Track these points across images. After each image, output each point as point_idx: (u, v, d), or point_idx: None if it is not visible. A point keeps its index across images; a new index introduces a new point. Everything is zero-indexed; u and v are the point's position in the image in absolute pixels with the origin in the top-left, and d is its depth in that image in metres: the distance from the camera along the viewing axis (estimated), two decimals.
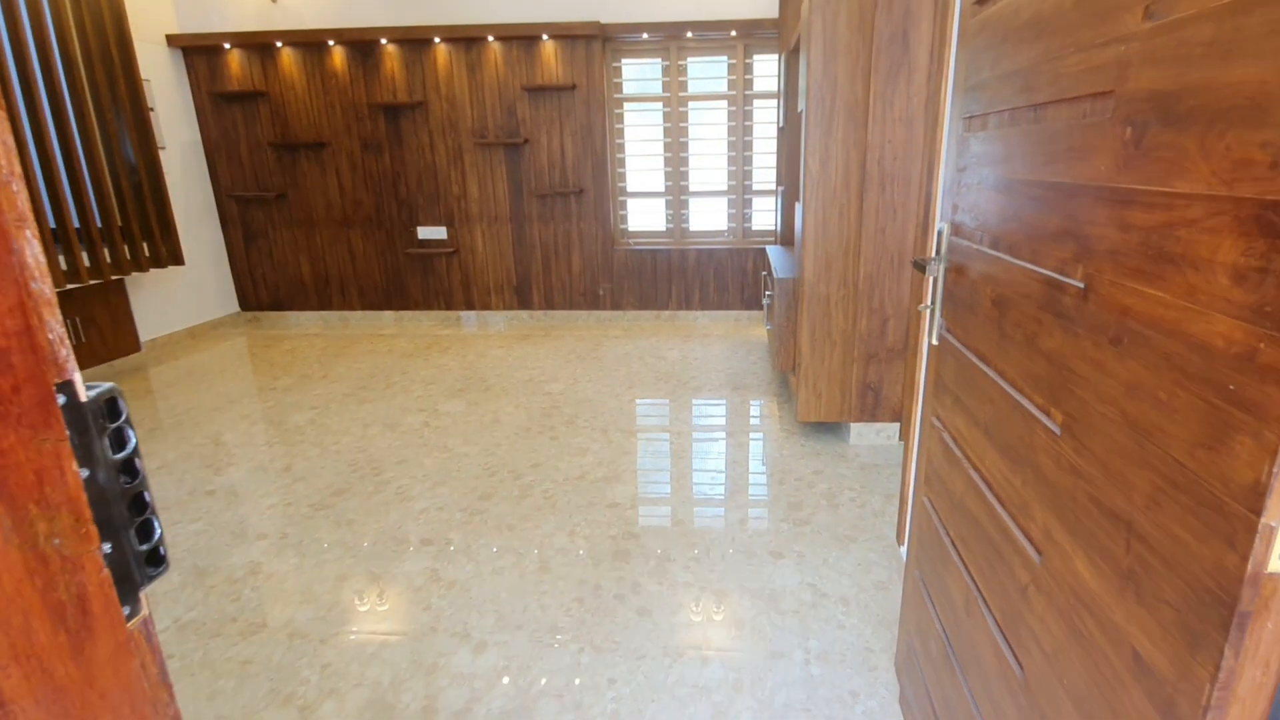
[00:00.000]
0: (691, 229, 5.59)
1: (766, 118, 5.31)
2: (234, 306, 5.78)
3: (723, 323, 5.55)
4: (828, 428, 3.42)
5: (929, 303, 1.65)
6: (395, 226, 5.55)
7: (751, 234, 5.56)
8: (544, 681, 1.81)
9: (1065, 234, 0.92)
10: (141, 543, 0.47)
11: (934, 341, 1.64)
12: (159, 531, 0.49)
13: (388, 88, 5.25)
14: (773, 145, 5.34)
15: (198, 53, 5.24)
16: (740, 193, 5.46)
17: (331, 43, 5.14)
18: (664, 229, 5.59)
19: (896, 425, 3.27)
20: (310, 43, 5.14)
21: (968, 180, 1.40)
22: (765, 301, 4.27)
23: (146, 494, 0.48)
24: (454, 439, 3.36)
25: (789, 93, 4.60)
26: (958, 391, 1.47)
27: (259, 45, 5.18)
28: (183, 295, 5.22)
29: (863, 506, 2.66)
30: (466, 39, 5.09)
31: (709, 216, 5.56)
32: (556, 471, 3.00)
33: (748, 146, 5.38)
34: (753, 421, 3.54)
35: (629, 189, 5.55)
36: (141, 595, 0.48)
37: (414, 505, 2.74)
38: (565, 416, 3.62)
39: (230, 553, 2.45)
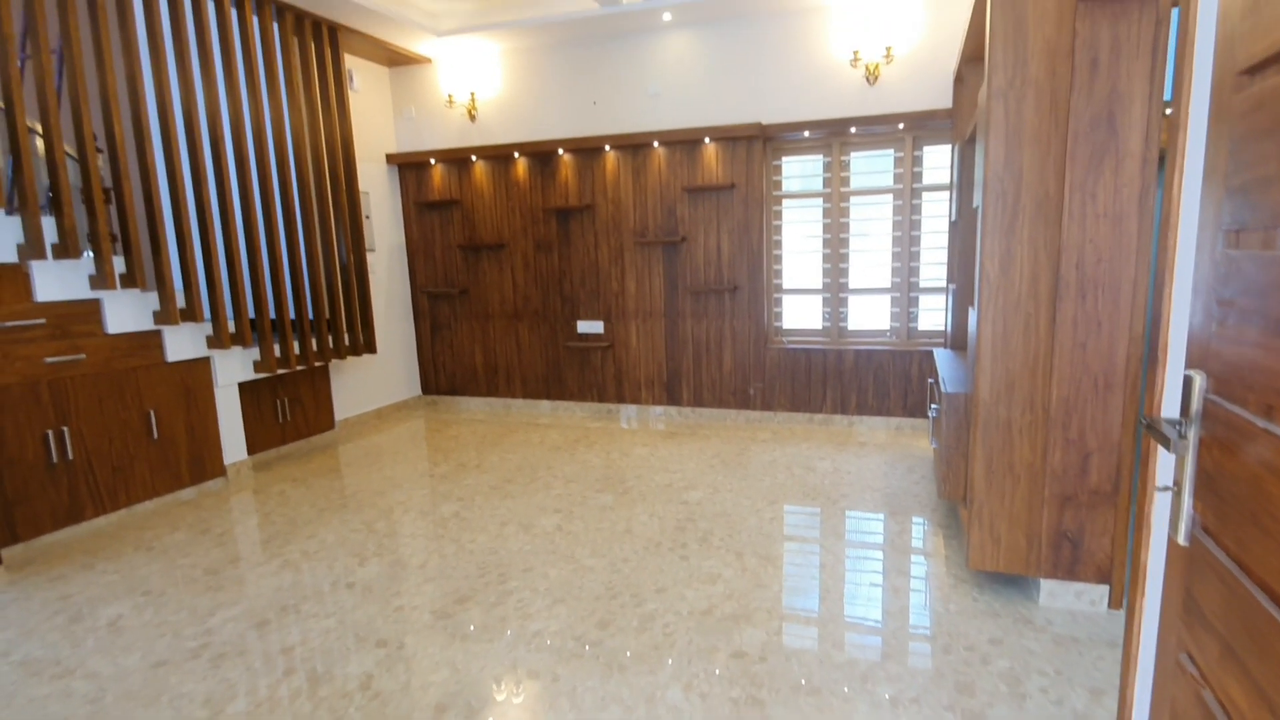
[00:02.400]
0: (850, 328, 5.05)
1: (936, 211, 4.74)
2: (417, 390, 6.08)
3: (881, 431, 4.88)
4: (1008, 580, 2.70)
5: (1172, 484, 1.11)
6: (558, 321, 5.59)
7: (917, 335, 4.91)
8: None
9: None
10: None
11: (1183, 541, 1.08)
12: None
13: (561, 193, 5.39)
14: (943, 240, 4.74)
15: (409, 168, 5.75)
16: (905, 290, 4.86)
17: (517, 154, 5.40)
18: (820, 327, 5.11)
19: (1104, 589, 2.49)
20: (499, 155, 5.44)
21: (1239, 320, 0.88)
22: (931, 414, 3.63)
23: None
24: (583, 548, 3.07)
25: (963, 185, 4.04)
26: (1228, 636, 0.90)
27: (457, 160, 5.57)
28: (374, 380, 5.57)
29: (1060, 703, 1.96)
30: (634, 145, 5.11)
31: (870, 315, 5.01)
32: (682, 601, 2.59)
33: (915, 242, 4.81)
34: (914, 560, 2.90)
35: (785, 285, 5.17)
36: None
37: (530, 625, 2.45)
38: (700, 532, 3.21)
39: (349, 659, 2.29)
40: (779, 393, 5.12)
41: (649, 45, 5.03)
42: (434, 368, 6.04)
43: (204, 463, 3.98)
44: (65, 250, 3.21)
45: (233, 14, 4.01)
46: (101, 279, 3.37)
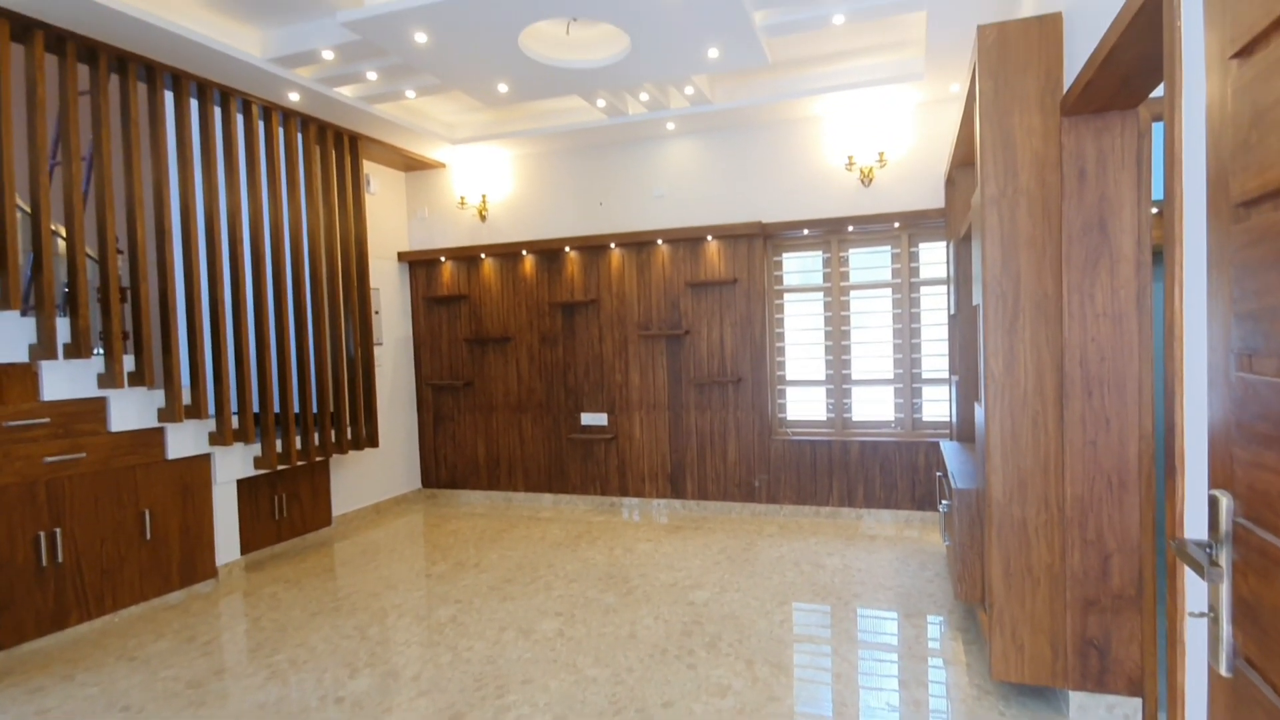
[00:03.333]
0: (855, 419, 5.02)
1: (935, 304, 4.82)
2: (417, 483, 5.99)
3: (890, 524, 4.76)
4: (1035, 692, 2.55)
5: (1207, 610, 1.05)
6: (561, 413, 5.58)
7: (922, 425, 4.87)
8: None
9: None
10: None
11: (1224, 673, 1.02)
12: None
13: (567, 288, 5.50)
14: (943, 332, 4.78)
15: (420, 265, 5.90)
16: (908, 382, 4.87)
17: (525, 252, 5.55)
18: (825, 418, 5.08)
19: (1137, 702, 2.35)
20: (508, 253, 5.59)
21: (1263, 446, 0.87)
22: (942, 509, 3.54)
23: None
24: (585, 656, 2.92)
25: (960, 280, 4.12)
26: None
27: (467, 257, 5.72)
28: (374, 474, 5.49)
29: None
30: (638, 243, 5.26)
31: (874, 406, 4.99)
32: (690, 717, 2.43)
33: (915, 334, 4.86)
34: (932, 668, 2.75)
35: (788, 377, 5.18)
36: None
37: None
38: (707, 637, 3.06)
39: None
40: (784, 485, 5.03)
41: (654, 150, 5.27)
42: (435, 460, 5.97)
43: (195, 564, 3.86)
44: (77, 350, 3.25)
45: (260, 125, 4.23)
46: (110, 378, 3.39)
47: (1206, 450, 1.17)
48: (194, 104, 3.85)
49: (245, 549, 4.23)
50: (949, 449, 4.05)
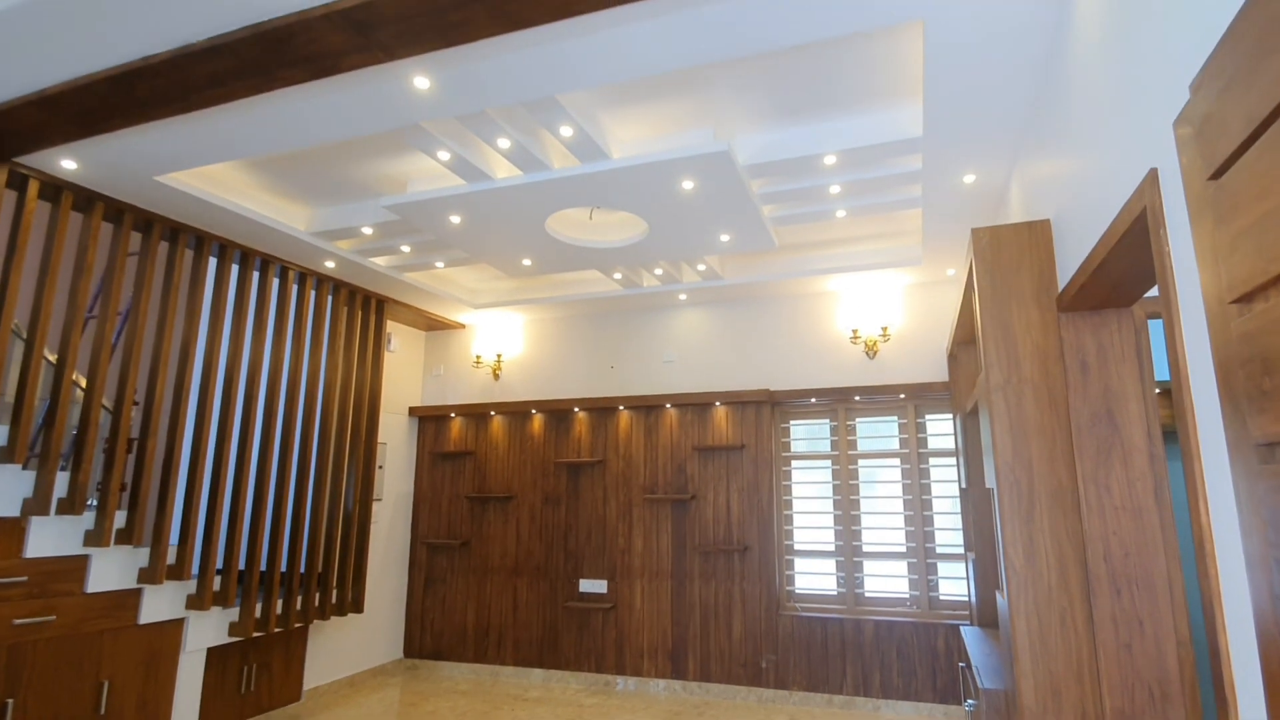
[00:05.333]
0: (867, 594, 4.77)
1: (945, 475, 4.74)
2: (398, 653, 5.59)
3: (912, 718, 4.35)
4: None
5: None
6: (559, 578, 5.32)
7: (939, 604, 4.61)
8: None
9: None
10: None
11: None
12: None
13: (574, 448, 5.48)
14: (954, 505, 4.67)
15: (430, 420, 5.93)
16: (922, 556, 4.67)
17: (534, 411, 5.59)
18: (835, 592, 4.82)
19: None
20: (518, 412, 5.63)
21: None
22: (968, 708, 3.25)
23: None
24: None
25: (969, 454, 4.09)
26: None
27: (477, 414, 5.76)
28: (354, 641, 5.14)
29: None
30: (647, 406, 5.31)
31: (887, 581, 4.75)
32: None
33: (927, 506, 4.74)
34: None
35: (796, 546, 4.99)
36: None
37: None
38: None
39: None
40: (794, 667, 4.67)
41: (665, 319, 5.48)
42: (421, 626, 5.62)
43: None
44: (71, 505, 3.18)
45: (294, 289, 4.45)
46: (98, 534, 3.28)
47: (1261, 676, 1.08)
48: (234, 269, 4.08)
49: None
50: (971, 636, 3.80)
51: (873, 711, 4.44)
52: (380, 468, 5.46)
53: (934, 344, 4.78)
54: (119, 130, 2.61)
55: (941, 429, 4.82)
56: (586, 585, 5.23)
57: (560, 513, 5.42)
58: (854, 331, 4.88)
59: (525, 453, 5.61)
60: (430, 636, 5.58)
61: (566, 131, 2.89)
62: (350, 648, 5.09)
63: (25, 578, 3.02)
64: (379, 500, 5.44)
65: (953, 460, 4.75)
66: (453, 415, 5.82)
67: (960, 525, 4.53)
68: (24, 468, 3.08)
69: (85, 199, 3.30)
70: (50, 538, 3.15)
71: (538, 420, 5.61)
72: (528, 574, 5.41)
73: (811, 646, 4.66)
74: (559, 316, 5.77)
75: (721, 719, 4.33)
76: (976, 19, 2.23)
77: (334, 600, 4.63)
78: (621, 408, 5.37)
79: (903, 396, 4.81)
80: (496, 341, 5.90)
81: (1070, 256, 2.34)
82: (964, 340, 4.28)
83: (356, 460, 4.87)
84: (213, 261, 3.98)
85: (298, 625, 4.37)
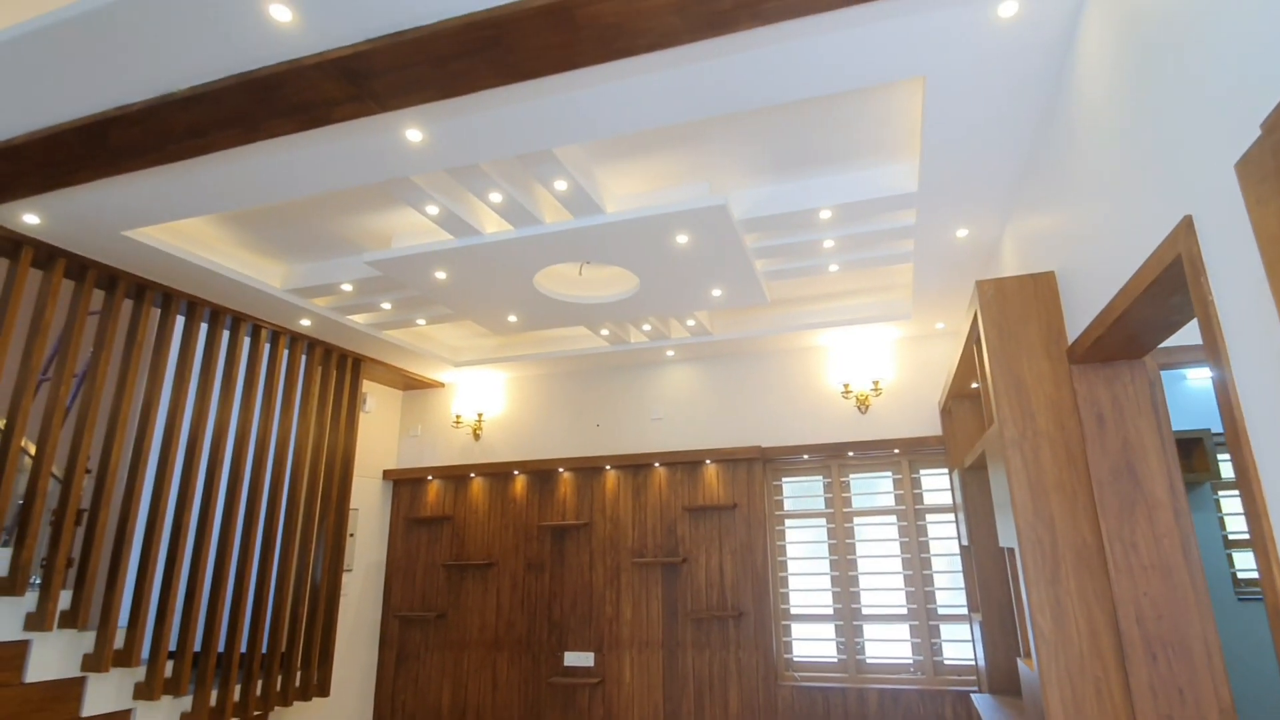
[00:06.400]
0: (868, 660, 4.55)
1: (943, 532, 4.62)
2: None
3: None
4: None
5: None
6: (543, 651, 5.01)
7: (944, 670, 4.41)
8: None
9: None
10: None
11: None
12: None
13: (559, 510, 5.25)
14: (955, 563, 4.54)
15: (405, 484, 5.65)
16: (924, 618, 4.50)
17: (517, 472, 5.37)
18: (835, 659, 4.60)
19: None
20: (499, 473, 5.41)
21: None
22: None
23: None
24: None
25: (970, 511, 3.99)
26: None
27: (456, 476, 5.52)
28: None
29: None
30: (634, 465, 5.14)
31: (889, 646, 4.55)
32: None
33: (926, 564, 4.60)
34: None
35: (793, 611, 4.78)
36: None
37: None
38: None
39: None
40: None
41: (653, 375, 5.37)
42: (392, 708, 5.21)
43: None
44: (12, 586, 2.88)
45: (265, 348, 4.25)
46: (40, 618, 2.97)
47: None
48: (203, 327, 3.89)
49: None
50: (984, 704, 3.61)
51: None
52: (351, 535, 5.15)
53: (924, 398, 4.73)
54: (88, 183, 2.47)
55: (937, 484, 4.73)
56: (572, 658, 4.92)
57: (544, 580, 5.15)
58: (845, 386, 4.83)
59: (507, 516, 5.36)
60: (402, 719, 5.17)
61: (561, 185, 2.83)
62: None
63: None
64: (349, 570, 5.11)
65: (950, 516, 4.65)
66: (430, 478, 5.56)
67: (963, 585, 4.39)
68: None
69: (46, 254, 3.11)
70: None
71: (520, 481, 5.39)
72: (509, 647, 5.08)
73: None
74: (543, 374, 5.63)
75: None
76: (977, 75, 2.24)
77: (297, 684, 4.26)
78: (608, 467, 5.19)
79: (896, 451, 4.73)
80: (477, 400, 5.71)
81: (1081, 308, 2.31)
82: (958, 394, 4.24)
83: (326, 528, 4.58)
84: (179, 320, 3.78)
85: (257, 714, 3.99)
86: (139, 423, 3.51)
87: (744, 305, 4.14)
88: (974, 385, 3.89)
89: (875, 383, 4.74)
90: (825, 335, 4.79)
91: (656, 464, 5.09)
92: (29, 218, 2.81)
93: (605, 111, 2.29)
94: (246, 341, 4.15)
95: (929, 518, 4.68)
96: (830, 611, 4.70)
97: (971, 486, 4.00)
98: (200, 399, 3.80)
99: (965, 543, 4.09)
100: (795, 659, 4.70)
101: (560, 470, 5.28)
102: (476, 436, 5.61)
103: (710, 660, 4.67)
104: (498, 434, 5.61)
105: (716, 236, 3.19)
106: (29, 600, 3.01)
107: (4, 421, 2.99)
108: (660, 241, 3.23)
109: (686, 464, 5.04)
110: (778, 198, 3.18)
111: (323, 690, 4.42)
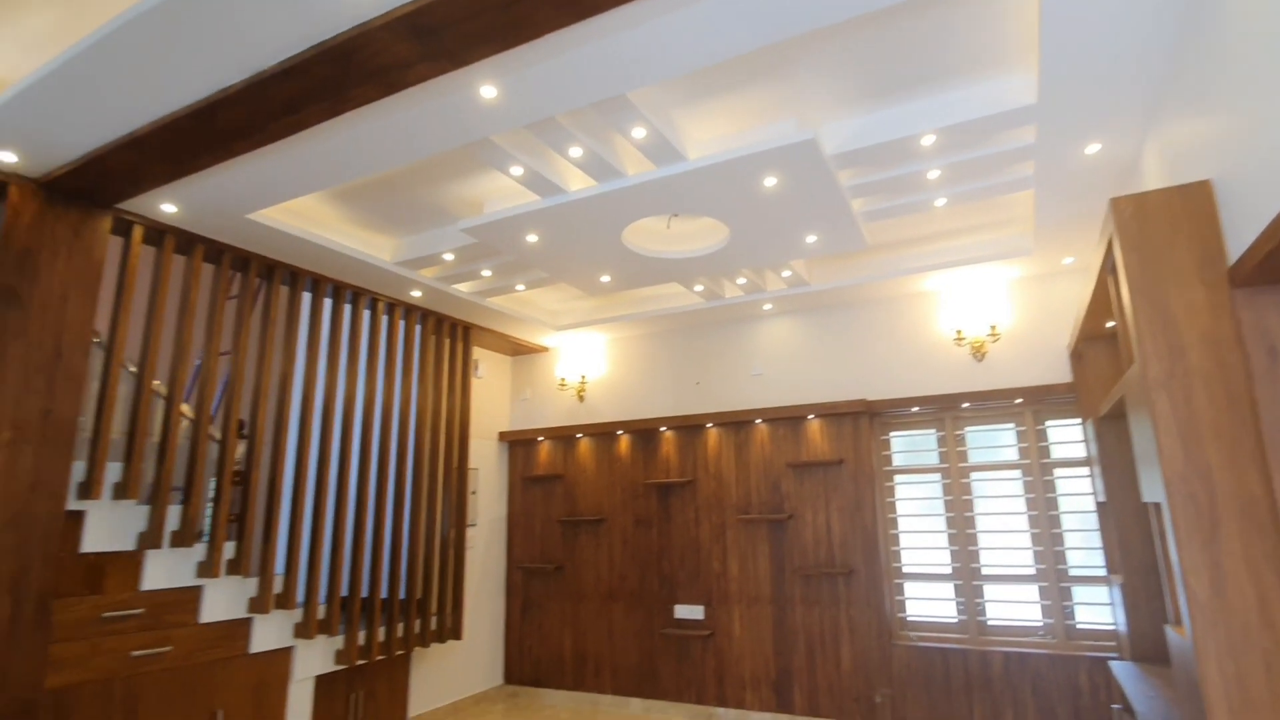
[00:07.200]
0: (991, 622, 4.22)
1: (1076, 488, 4.16)
2: (498, 679, 5.46)
3: None
4: None
5: None
6: (655, 603, 5.05)
7: (1076, 634, 4.01)
8: None
9: None
10: None
11: None
12: None
13: (662, 468, 5.24)
14: (1090, 520, 4.07)
15: (519, 445, 5.85)
16: (1054, 579, 4.09)
17: (620, 432, 5.40)
18: (955, 620, 4.30)
19: None
20: (604, 433, 5.46)
21: None
22: None
23: None
24: None
25: (1107, 464, 3.53)
26: None
27: (564, 437, 5.63)
28: (455, 668, 5.05)
29: None
30: (736, 423, 5.01)
31: (1014, 607, 4.19)
32: None
33: (1055, 523, 4.17)
34: None
35: (906, 570, 4.51)
36: None
37: None
38: None
39: None
40: (912, 703, 4.17)
41: (750, 330, 5.18)
42: (520, 653, 5.47)
43: None
44: (183, 538, 3.22)
45: (384, 320, 4.48)
46: (209, 566, 3.32)
47: None
48: (327, 303, 4.13)
49: None
50: (1125, 673, 3.23)
51: None
52: (473, 493, 5.40)
53: (1052, 342, 4.23)
54: (207, 168, 2.64)
55: (1067, 436, 4.24)
56: (682, 611, 4.93)
57: (652, 535, 5.17)
58: (958, 333, 4.40)
59: (614, 474, 5.41)
60: (530, 663, 5.42)
61: (639, 133, 2.70)
62: (452, 674, 5.00)
63: (142, 610, 3.06)
64: (473, 525, 5.37)
65: (1084, 471, 4.16)
66: (540, 439, 5.71)
67: (1100, 544, 3.93)
68: (138, 503, 3.14)
69: (186, 241, 3.39)
70: (164, 570, 3.20)
71: (624, 441, 5.41)
72: (623, 599, 5.17)
73: (931, 681, 4.16)
74: (641, 334, 5.58)
75: None
76: None
77: (434, 627, 4.56)
78: (709, 425, 5.09)
79: (1019, 401, 4.28)
80: (580, 363, 5.77)
81: (1245, 220, 1.90)
82: (1091, 335, 3.73)
83: (450, 486, 4.82)
84: (306, 296, 4.03)
85: (400, 653, 4.31)
86: (278, 392, 3.79)
87: (842, 251, 3.85)
88: (1110, 324, 3.40)
89: (993, 328, 4.29)
90: (933, 279, 4.38)
91: (758, 420, 4.92)
92: (167, 206, 3.06)
93: (676, 44, 2.12)
94: (366, 314, 4.38)
95: (1057, 472, 4.22)
96: (948, 571, 4.38)
97: (1108, 437, 3.54)
98: (329, 369, 4.06)
99: (1102, 499, 3.64)
100: (910, 618, 4.44)
101: (662, 429, 5.24)
102: (581, 398, 5.68)
103: (821, 617, 4.52)
104: (600, 395, 5.65)
105: (807, 176, 2.94)
106: (199, 550, 3.36)
107: (167, 392, 3.32)
108: (747, 186, 3.03)
109: (789, 420, 4.84)
110: (873, 127, 2.87)
111: (456, 634, 4.70)
